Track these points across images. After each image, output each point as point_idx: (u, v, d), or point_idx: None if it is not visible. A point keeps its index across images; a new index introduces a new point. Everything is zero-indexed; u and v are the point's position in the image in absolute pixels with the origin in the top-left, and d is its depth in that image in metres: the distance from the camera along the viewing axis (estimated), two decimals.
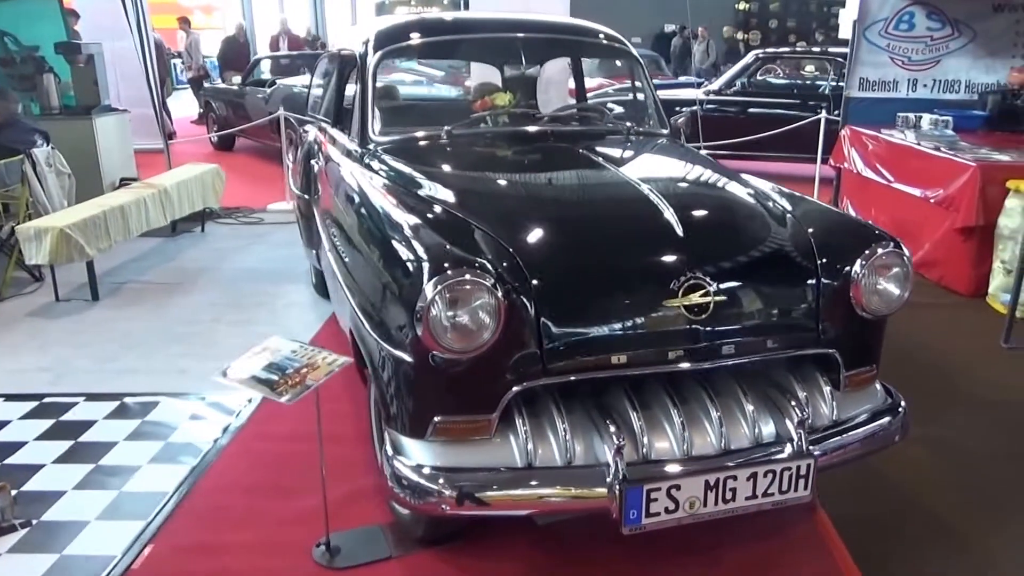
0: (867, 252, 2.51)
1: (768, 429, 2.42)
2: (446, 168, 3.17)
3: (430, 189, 2.80)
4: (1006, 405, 3.82)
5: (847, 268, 2.50)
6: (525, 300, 2.23)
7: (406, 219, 2.53)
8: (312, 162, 4.28)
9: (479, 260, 2.21)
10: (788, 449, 2.36)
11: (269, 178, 9.17)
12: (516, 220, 2.54)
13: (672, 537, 2.39)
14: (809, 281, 2.51)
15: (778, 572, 2.66)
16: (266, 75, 11.27)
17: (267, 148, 10.28)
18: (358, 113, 3.39)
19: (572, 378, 2.28)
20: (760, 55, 9.11)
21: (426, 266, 2.19)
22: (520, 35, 3.69)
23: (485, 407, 2.25)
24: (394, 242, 2.40)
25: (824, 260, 2.53)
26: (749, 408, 2.41)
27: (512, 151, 3.34)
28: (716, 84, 8.98)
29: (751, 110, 8.54)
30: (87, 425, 3.57)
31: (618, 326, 2.31)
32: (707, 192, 2.84)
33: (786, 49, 12.52)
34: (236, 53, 13.01)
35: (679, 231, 2.42)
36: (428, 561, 2.66)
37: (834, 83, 8.46)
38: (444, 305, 2.12)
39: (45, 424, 3.58)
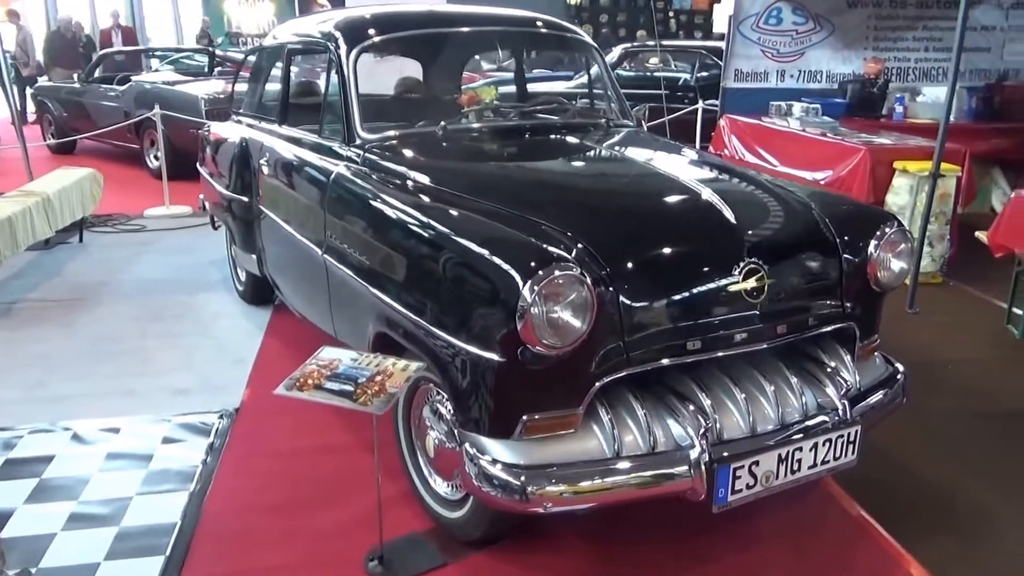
0: (879, 233, 2.73)
1: (810, 400, 2.58)
2: (464, 165, 3.12)
3: (463, 187, 2.75)
4: (930, 365, 4.24)
5: (865, 248, 2.70)
6: (608, 291, 2.26)
7: (463, 219, 2.49)
8: (259, 163, 4.04)
9: (565, 254, 2.22)
10: (834, 418, 2.53)
11: (132, 182, 8.57)
12: (572, 213, 2.55)
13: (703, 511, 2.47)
14: (834, 260, 2.69)
15: (811, 535, 2.83)
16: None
17: (119, 150, 9.54)
18: (341, 112, 3.26)
19: (652, 367, 2.34)
20: (628, 49, 9.47)
21: (518, 265, 2.16)
22: (496, 29, 3.68)
23: (572, 402, 2.27)
24: (462, 244, 2.35)
25: (845, 241, 2.72)
26: (794, 381, 2.57)
27: (521, 145, 3.34)
28: (587, 77, 9.22)
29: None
30: (46, 460, 3.22)
31: (691, 312, 2.39)
32: (732, 180, 2.96)
33: (663, 42, 12.95)
34: (64, 48, 11.90)
35: (731, 218, 2.54)
36: (487, 562, 2.64)
37: (700, 74, 8.97)
38: (543, 302, 2.12)
39: None
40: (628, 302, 2.29)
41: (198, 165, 5.34)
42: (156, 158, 8.78)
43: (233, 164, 4.39)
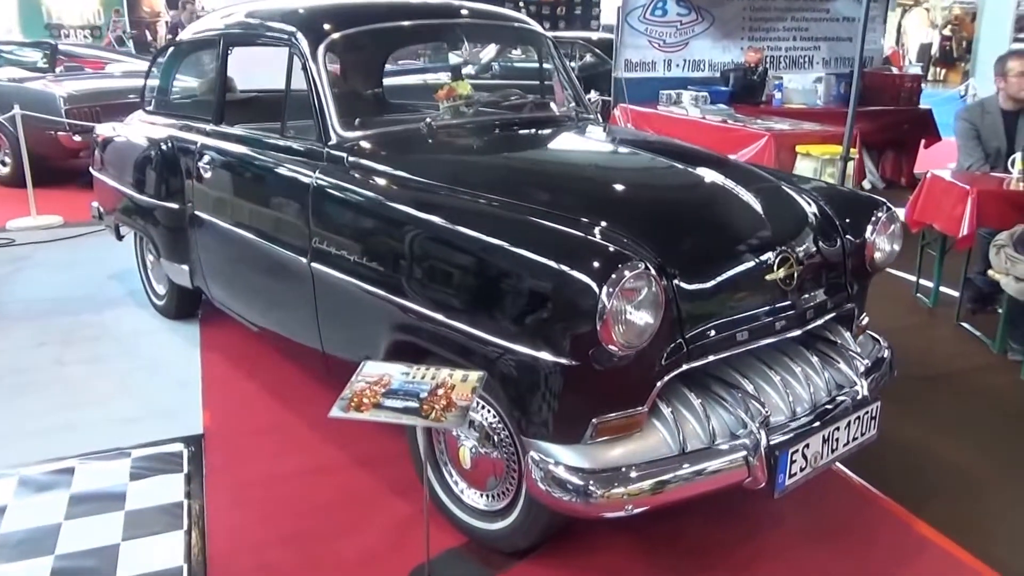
0: (874, 218, 2.86)
1: (830, 381, 2.67)
2: (470, 163, 3.00)
3: (482, 186, 2.62)
4: None
5: (863, 232, 2.83)
6: (671, 285, 2.25)
7: (508, 221, 2.40)
8: (197, 166, 3.71)
9: (630, 252, 2.18)
10: (856, 396, 2.62)
11: None
12: (609, 209, 2.51)
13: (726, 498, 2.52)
14: (839, 245, 2.80)
15: (823, 509, 2.92)
16: None
17: None
18: (314, 110, 3.03)
19: (712, 359, 2.35)
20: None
21: (589, 268, 2.10)
22: (460, 21, 3.56)
23: (639, 401, 2.24)
24: (518, 248, 2.25)
25: (846, 225, 2.83)
26: (815, 361, 2.65)
27: (512, 141, 3.24)
28: (473, 69, 9.17)
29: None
30: None
31: (738, 303, 2.41)
32: (737, 169, 2.99)
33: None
34: None
35: (758, 207, 2.58)
36: (533, 570, 2.56)
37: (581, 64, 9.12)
38: (621, 303, 2.08)
39: None
40: (683, 295, 2.29)
41: (92, 169, 4.88)
42: (3, 163, 7.98)
43: (154, 167, 4.03)
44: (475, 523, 2.64)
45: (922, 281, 5.10)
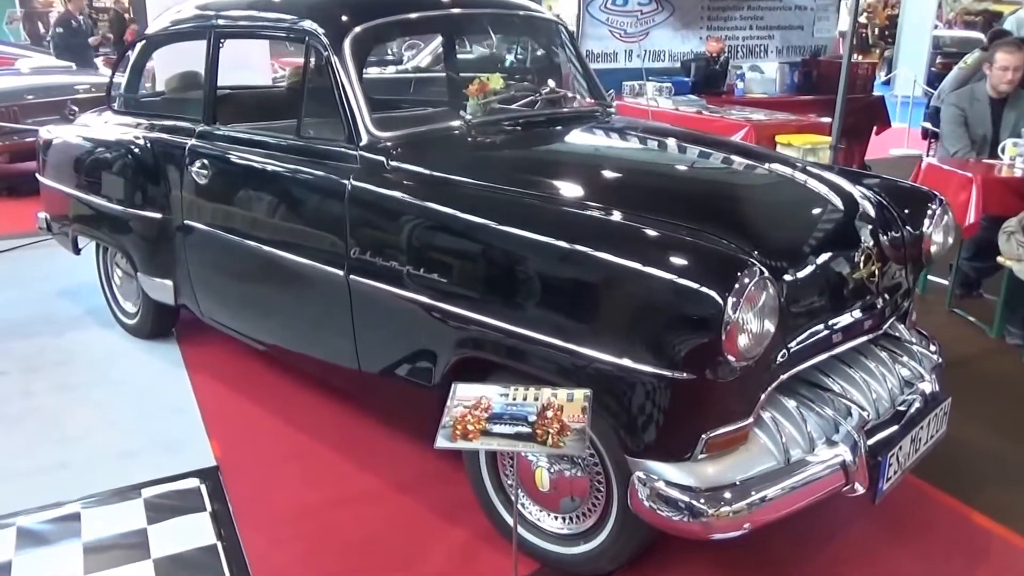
0: (930, 212, 2.80)
1: (900, 377, 2.60)
2: (530, 163, 2.84)
3: (553, 191, 2.45)
4: None
5: (921, 225, 2.77)
6: (781, 290, 2.13)
7: (604, 228, 2.24)
8: (189, 171, 3.40)
9: (745, 258, 2.05)
10: (924, 392, 2.55)
11: None
12: (697, 210, 2.37)
13: None
14: (900, 239, 2.72)
15: (882, 505, 2.87)
16: None
17: None
18: (340, 108, 2.78)
19: (810, 364, 2.24)
20: None
21: (708, 276, 1.96)
22: (481, 11, 3.37)
23: (746, 412, 2.11)
24: (620, 257, 2.08)
25: (905, 217, 2.76)
26: (884, 356, 2.58)
27: (560, 138, 3.06)
28: (412, 63, 8.92)
29: None
30: (2, 570, 2.51)
31: (831, 303, 2.32)
32: (802, 167, 2.88)
33: None
34: None
35: (839, 203, 2.48)
36: None
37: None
38: (746, 312, 1.95)
39: None
40: (789, 298, 2.17)
41: (39, 176, 4.48)
42: None
43: (129, 173, 3.70)
44: (551, 548, 2.47)
45: None
